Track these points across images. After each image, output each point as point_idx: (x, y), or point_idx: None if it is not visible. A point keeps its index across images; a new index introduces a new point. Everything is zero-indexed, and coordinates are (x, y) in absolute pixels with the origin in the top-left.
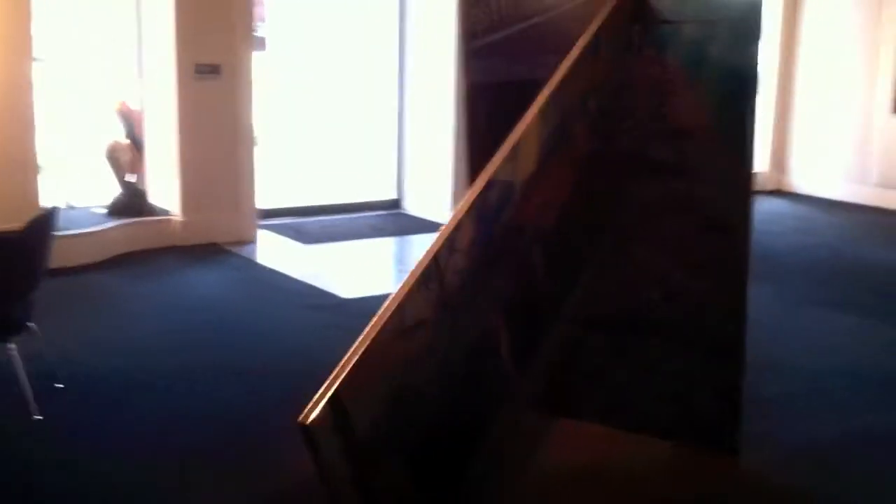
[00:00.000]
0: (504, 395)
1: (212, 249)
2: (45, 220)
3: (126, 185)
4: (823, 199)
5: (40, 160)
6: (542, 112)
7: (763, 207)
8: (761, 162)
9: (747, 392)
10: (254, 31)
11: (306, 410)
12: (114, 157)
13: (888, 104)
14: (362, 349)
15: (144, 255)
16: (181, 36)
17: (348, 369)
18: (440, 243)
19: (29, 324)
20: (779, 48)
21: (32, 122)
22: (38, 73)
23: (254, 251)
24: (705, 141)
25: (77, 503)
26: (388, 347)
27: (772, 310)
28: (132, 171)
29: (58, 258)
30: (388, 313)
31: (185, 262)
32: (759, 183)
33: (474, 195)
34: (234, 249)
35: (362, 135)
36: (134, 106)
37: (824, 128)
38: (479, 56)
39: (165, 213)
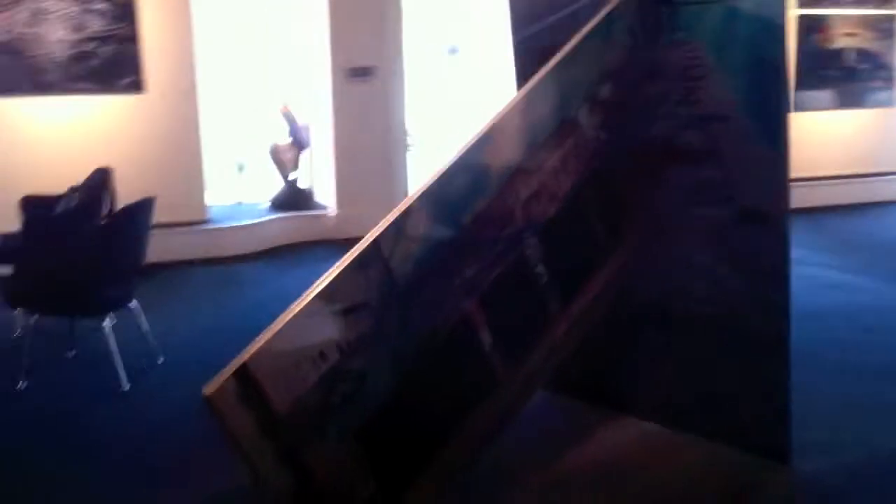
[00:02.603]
0: (488, 385)
1: None
2: (136, 209)
3: (288, 182)
4: None
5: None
6: (527, 100)
7: None
8: None
9: (830, 397)
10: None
11: (211, 383)
12: (277, 156)
13: None
14: (277, 328)
15: (299, 246)
16: (336, 40)
17: (259, 345)
18: (383, 229)
19: (130, 304)
20: None
21: (197, 126)
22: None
23: None
24: (737, 127)
25: (138, 464)
26: (313, 328)
27: None
28: (294, 169)
29: (217, 248)
30: (313, 295)
31: (335, 253)
32: None
33: (429, 183)
34: None
35: None
36: (296, 108)
37: None
38: (524, 47)
39: (324, 208)
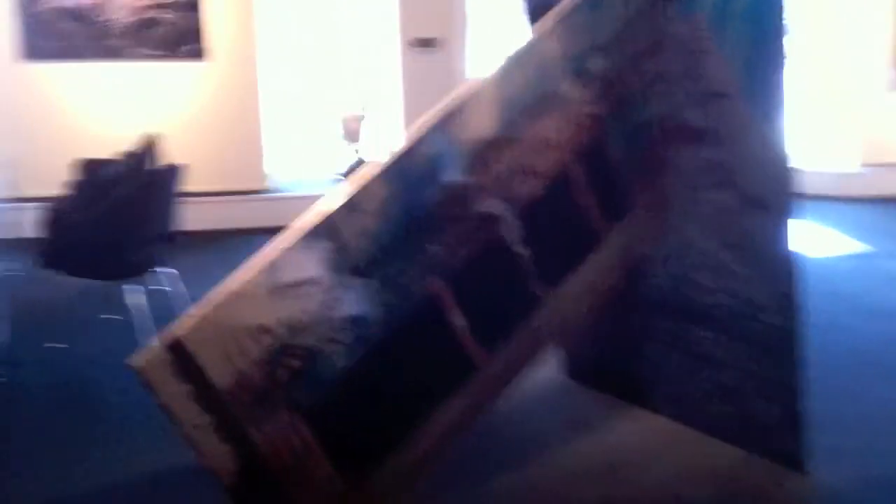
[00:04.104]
0: (463, 370)
1: None
2: (159, 175)
3: (359, 153)
4: None
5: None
6: (504, 71)
7: None
8: None
9: (881, 403)
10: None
11: (141, 354)
12: (347, 126)
13: None
14: (214, 300)
15: None
16: (404, 11)
17: (194, 319)
18: (335, 203)
19: (156, 269)
20: None
21: (257, 95)
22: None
23: None
24: (737, 106)
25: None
26: (254, 302)
27: None
28: (356, 140)
29: (276, 218)
30: (254, 269)
31: None
32: None
33: (391, 155)
34: None
35: None
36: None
37: None
38: (536, 15)
39: None
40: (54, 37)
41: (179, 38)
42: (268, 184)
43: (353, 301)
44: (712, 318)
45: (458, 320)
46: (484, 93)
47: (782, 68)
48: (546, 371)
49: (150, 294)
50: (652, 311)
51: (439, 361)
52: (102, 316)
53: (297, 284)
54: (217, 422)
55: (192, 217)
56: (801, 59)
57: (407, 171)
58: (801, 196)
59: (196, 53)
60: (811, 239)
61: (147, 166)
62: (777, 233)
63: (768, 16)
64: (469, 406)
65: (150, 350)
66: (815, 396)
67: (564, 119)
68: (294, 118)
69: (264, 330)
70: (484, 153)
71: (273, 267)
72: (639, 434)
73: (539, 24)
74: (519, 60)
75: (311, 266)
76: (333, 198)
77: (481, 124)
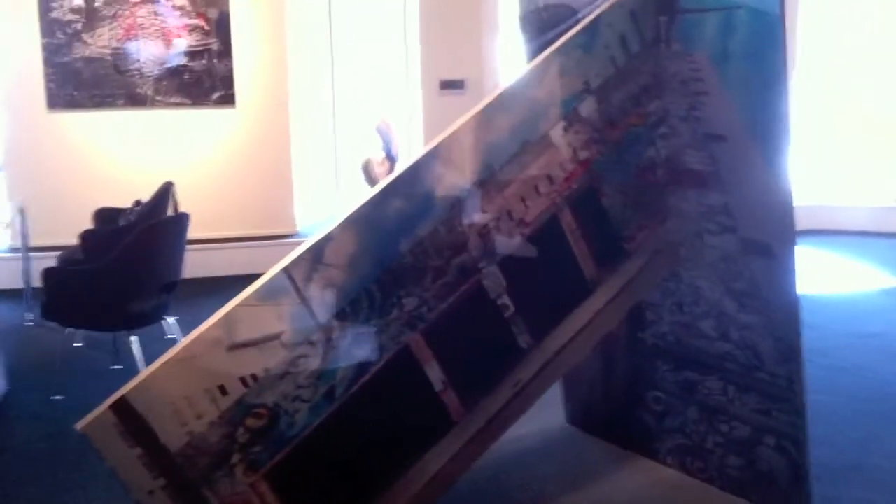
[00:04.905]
0: (440, 426)
1: None
2: (162, 226)
3: None
4: None
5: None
6: (483, 117)
7: None
8: None
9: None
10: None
11: (87, 416)
12: (368, 170)
13: None
14: (164, 360)
15: None
16: (427, 53)
17: (142, 378)
18: (296, 256)
19: (166, 318)
20: None
21: (288, 140)
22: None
23: None
24: (740, 149)
25: None
26: (210, 361)
27: None
28: None
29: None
30: (207, 327)
31: None
32: None
33: (358, 206)
34: None
35: None
36: (393, 121)
37: None
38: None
39: None
40: (83, 86)
41: (210, 85)
42: (298, 228)
43: (319, 357)
44: (720, 369)
45: (435, 374)
46: (462, 139)
47: (786, 108)
48: (547, 417)
49: (162, 343)
50: (658, 359)
51: (413, 416)
52: (111, 367)
53: (258, 342)
54: (171, 486)
55: (222, 262)
56: (838, 95)
57: (377, 221)
58: (837, 231)
59: (227, 100)
60: (844, 275)
61: (164, 214)
62: (781, 280)
63: (770, 54)
64: (447, 462)
65: (95, 412)
66: (834, 446)
67: (553, 164)
68: (327, 161)
69: (221, 389)
70: (465, 202)
71: (230, 324)
72: (644, 486)
73: (529, 66)
74: (503, 104)
75: (273, 322)
76: (297, 251)
77: (461, 172)
